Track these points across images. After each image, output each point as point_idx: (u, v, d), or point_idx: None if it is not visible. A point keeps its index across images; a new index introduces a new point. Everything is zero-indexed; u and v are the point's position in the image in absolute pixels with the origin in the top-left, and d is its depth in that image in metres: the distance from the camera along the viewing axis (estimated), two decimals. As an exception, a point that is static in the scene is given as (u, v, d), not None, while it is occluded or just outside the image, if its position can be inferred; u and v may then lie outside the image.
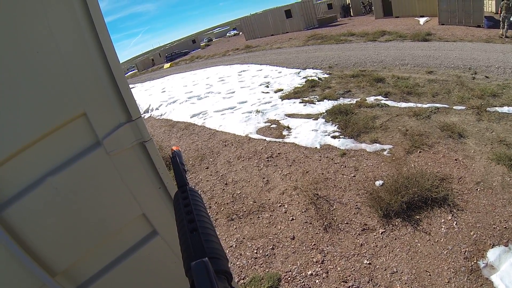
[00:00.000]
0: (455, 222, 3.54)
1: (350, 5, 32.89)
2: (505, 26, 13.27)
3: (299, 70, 12.30)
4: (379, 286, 3.03)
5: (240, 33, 45.06)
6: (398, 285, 3.00)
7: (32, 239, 1.28)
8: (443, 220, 3.59)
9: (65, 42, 1.14)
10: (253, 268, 3.50)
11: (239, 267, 3.56)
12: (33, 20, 1.08)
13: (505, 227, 3.35)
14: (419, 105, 6.87)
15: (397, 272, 3.12)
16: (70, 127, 1.23)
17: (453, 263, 3.09)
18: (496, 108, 6.08)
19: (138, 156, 1.38)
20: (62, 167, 1.26)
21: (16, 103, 1.10)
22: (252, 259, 3.61)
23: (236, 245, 3.87)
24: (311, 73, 11.48)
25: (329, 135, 6.19)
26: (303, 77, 10.97)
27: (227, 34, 58.78)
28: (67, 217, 1.33)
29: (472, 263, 3.05)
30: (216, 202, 4.88)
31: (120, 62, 1.29)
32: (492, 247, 3.16)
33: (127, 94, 1.25)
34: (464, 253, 3.17)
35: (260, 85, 11.25)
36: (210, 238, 0.58)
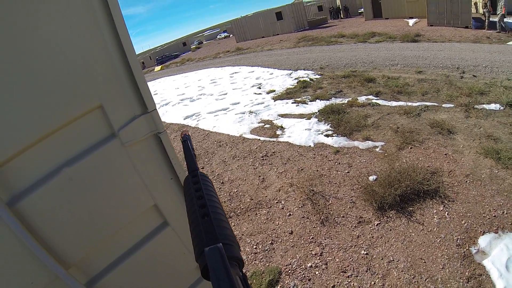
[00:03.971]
0: (446, 213, 3.66)
1: (341, 7, 33.32)
2: (486, 21, 13.80)
3: (290, 71, 12.43)
4: (376, 274, 3.13)
5: (231, 35, 45.11)
6: (395, 272, 3.11)
7: (46, 230, 1.30)
8: (435, 211, 3.72)
9: (84, 35, 1.18)
10: (253, 263, 3.58)
11: (239, 262, 3.63)
12: (53, 13, 1.11)
13: (494, 216, 3.48)
14: (409, 103, 7.04)
15: (393, 260, 3.23)
16: (87, 118, 1.26)
17: (446, 250, 3.21)
18: (484, 105, 6.27)
19: (152, 148, 1.42)
20: (78, 158, 1.28)
21: (36, 94, 1.13)
22: (252, 254, 3.69)
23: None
24: (302, 74, 11.61)
25: (322, 133, 6.31)
26: (295, 78, 11.10)
27: (218, 37, 58.78)
28: (82, 208, 1.36)
29: (464, 249, 3.18)
30: None
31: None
32: (483, 234, 3.30)
33: (143, 86, 1.30)
34: (457, 240, 3.29)
35: (252, 86, 11.35)
36: (222, 223, 0.57)
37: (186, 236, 1.69)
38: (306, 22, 29.71)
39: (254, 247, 3.79)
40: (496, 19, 14.58)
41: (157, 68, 35.19)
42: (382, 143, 5.49)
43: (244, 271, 0.57)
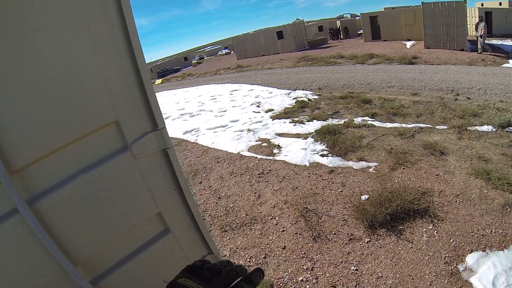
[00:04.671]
0: (435, 231, 3.80)
1: (340, 28, 34.07)
2: (479, 45, 14.28)
3: (289, 91, 12.70)
4: (365, 289, 3.24)
5: (232, 52, 45.68)
6: (383, 288, 3.22)
7: (60, 229, 1.43)
8: (424, 230, 3.85)
9: (104, 53, 1.32)
10: (247, 275, 3.67)
11: (233, 275, 3.72)
12: (78, 30, 1.24)
13: (483, 234, 3.62)
14: (404, 125, 7.25)
15: (382, 277, 3.34)
16: (104, 131, 1.41)
17: (434, 267, 3.33)
18: (476, 127, 6.48)
19: (160, 161, 1.57)
20: (94, 166, 1.43)
21: (63, 105, 1.28)
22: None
23: (229, 254, 4.04)
24: (301, 94, 11.88)
25: (318, 153, 6.47)
26: (293, 98, 11.35)
27: (219, 53, 59.32)
28: (93, 211, 1.48)
29: (452, 267, 3.30)
30: (209, 215, 5.06)
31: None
32: (471, 252, 3.42)
33: (155, 105, 1.45)
34: (445, 258, 3.42)
35: (252, 104, 11.57)
36: None
37: (185, 243, 1.84)
38: (307, 42, 30.28)
39: (248, 260, 3.89)
40: (491, 41, 15.11)
41: (158, 81, 35.62)
42: (376, 164, 5.65)
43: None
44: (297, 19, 30.91)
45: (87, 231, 1.53)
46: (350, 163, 5.84)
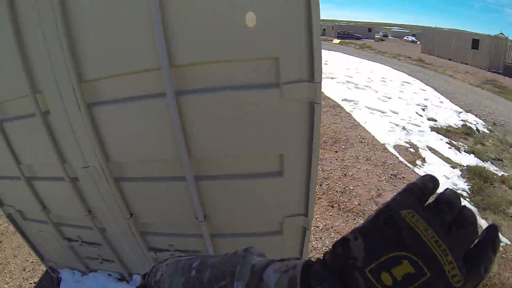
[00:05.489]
0: None
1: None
2: None
3: (461, 110, 10.87)
4: None
5: (418, 42, 41.20)
6: None
7: (192, 126, 1.71)
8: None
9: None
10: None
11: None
12: None
13: None
14: None
15: None
16: (263, 63, 1.52)
17: None
18: None
19: (303, 111, 1.59)
20: (242, 88, 1.58)
21: (236, 30, 1.45)
22: (327, 248, 3.74)
23: (321, 228, 4.04)
24: (472, 119, 10.03)
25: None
26: (462, 119, 9.70)
27: (405, 38, 54.28)
28: (224, 124, 1.69)
29: None
30: (327, 184, 5.06)
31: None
32: None
33: (318, 59, 1.45)
34: None
35: (417, 105, 10.44)
36: None
37: (288, 194, 1.90)
38: (503, 64, 24.23)
39: (334, 241, 3.82)
40: None
41: (336, 41, 35.15)
42: (508, 243, 4.55)
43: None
44: (501, 33, 24.84)
45: (212, 137, 1.75)
46: (482, 222, 4.86)
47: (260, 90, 1.56)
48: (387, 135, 7.44)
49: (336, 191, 4.89)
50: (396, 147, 6.91)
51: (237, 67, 1.53)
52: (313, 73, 1.48)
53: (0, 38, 1.77)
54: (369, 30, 51.66)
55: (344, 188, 5.03)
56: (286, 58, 1.48)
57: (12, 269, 4.20)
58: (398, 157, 6.38)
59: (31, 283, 3.79)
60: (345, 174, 5.44)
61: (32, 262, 4.24)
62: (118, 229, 2.43)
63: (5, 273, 4.20)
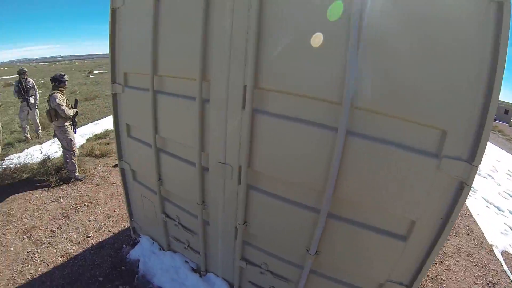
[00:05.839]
0: None
1: None
2: None
3: None
4: None
5: None
6: None
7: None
8: None
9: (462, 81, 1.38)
10: None
11: None
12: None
13: None
14: None
15: None
16: (429, 130, 1.50)
17: None
18: None
19: (449, 187, 1.53)
20: (403, 147, 1.57)
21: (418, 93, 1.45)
22: None
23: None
24: None
25: None
26: None
27: None
28: (378, 177, 1.66)
29: None
30: (448, 264, 4.68)
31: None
32: None
33: (483, 144, 1.39)
34: None
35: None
36: None
37: (402, 261, 1.78)
38: None
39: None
40: None
41: None
42: None
43: None
44: None
45: (362, 181, 1.71)
46: None
47: (414, 153, 1.54)
48: (498, 236, 6.56)
49: (427, 275, 4.51)
50: (504, 253, 6.08)
51: (405, 126, 1.53)
52: (474, 155, 1.43)
53: (189, 23, 1.99)
54: (506, 112, 45.94)
55: (436, 276, 4.62)
56: (453, 134, 1.44)
57: (99, 211, 4.69)
58: (503, 265, 5.63)
59: (109, 231, 4.19)
60: (441, 262, 5.01)
61: (118, 215, 4.68)
62: (222, 228, 2.47)
63: (92, 211, 4.70)
